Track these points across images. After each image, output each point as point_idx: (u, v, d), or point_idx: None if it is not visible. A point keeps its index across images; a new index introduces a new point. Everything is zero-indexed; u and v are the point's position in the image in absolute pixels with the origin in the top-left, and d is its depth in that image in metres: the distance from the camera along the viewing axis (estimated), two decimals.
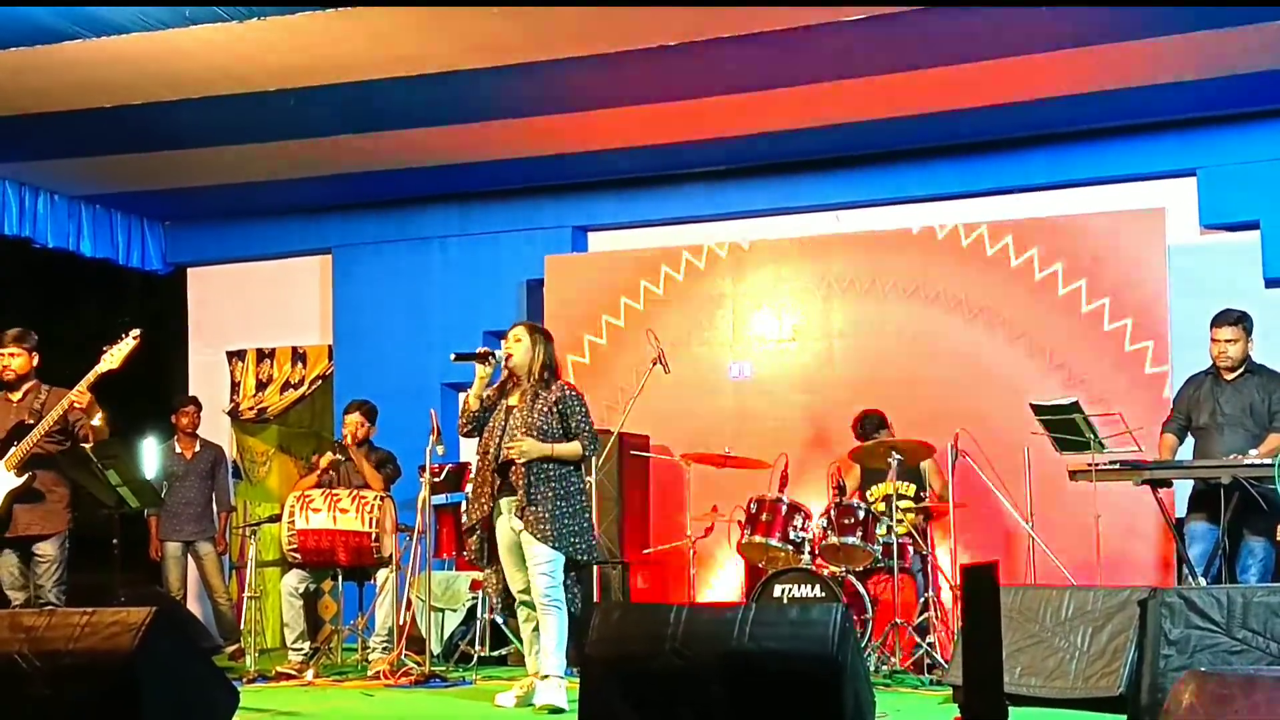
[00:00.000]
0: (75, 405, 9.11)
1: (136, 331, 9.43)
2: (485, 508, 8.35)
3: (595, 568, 10.50)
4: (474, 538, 8.46)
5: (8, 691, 6.14)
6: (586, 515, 8.47)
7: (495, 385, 8.53)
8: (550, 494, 8.19)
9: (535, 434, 8.17)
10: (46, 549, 9.34)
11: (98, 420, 9.33)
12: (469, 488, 8.57)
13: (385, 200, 13.49)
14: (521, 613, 8.48)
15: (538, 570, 8.19)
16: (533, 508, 8.14)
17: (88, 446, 9.10)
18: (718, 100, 10.79)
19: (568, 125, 11.38)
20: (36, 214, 13.02)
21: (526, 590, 8.34)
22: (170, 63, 9.90)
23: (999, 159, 11.84)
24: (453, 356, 8.58)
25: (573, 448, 8.27)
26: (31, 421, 9.24)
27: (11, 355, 9.43)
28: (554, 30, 9.50)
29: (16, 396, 9.44)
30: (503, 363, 8.42)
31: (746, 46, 9.68)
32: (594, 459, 8.61)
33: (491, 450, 8.31)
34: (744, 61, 10.00)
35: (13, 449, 9.19)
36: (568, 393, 8.37)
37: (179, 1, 8.80)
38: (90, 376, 9.16)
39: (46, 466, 9.30)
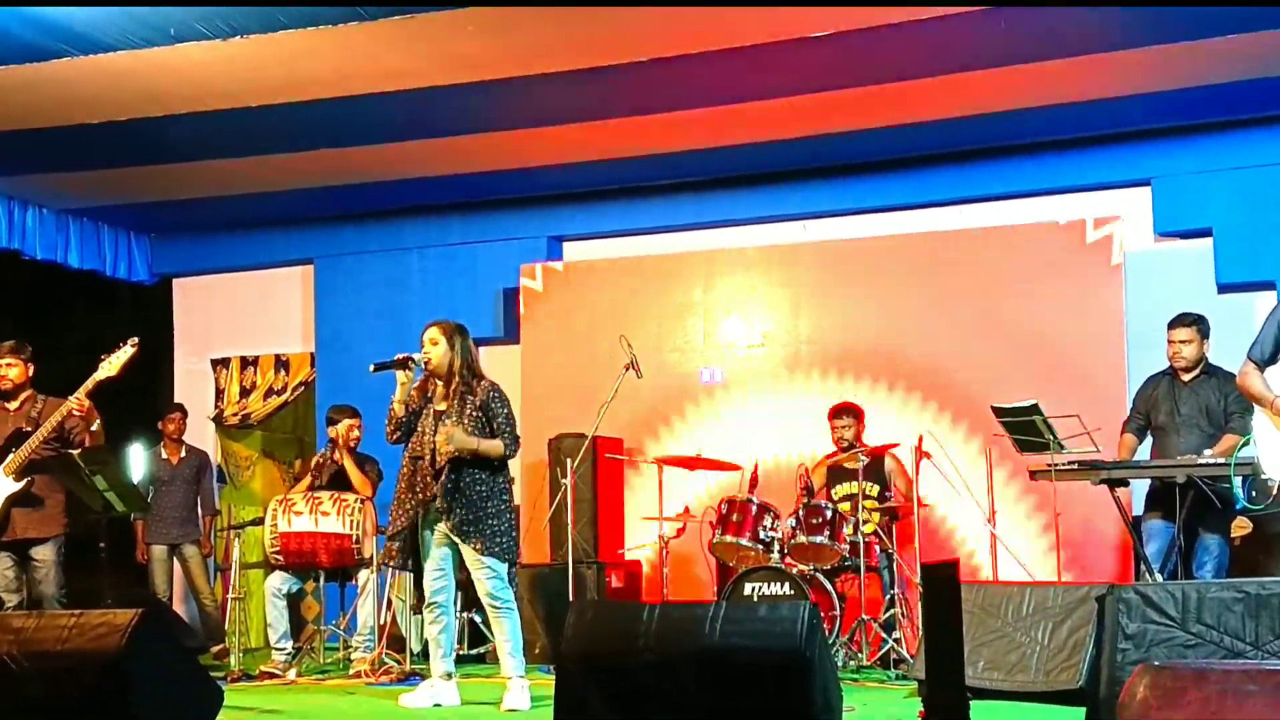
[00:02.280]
0: (75, 413, 9.11)
1: (134, 340, 9.45)
2: (411, 514, 8.27)
3: (571, 567, 10.52)
4: (397, 543, 8.32)
5: None
6: (510, 516, 8.35)
7: (416, 386, 8.45)
8: (476, 497, 8.14)
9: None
10: (43, 553, 9.35)
11: (95, 426, 9.35)
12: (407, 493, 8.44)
13: (365, 212, 13.48)
14: (428, 614, 8.40)
15: (482, 575, 8.16)
16: (463, 511, 8.10)
17: (75, 453, 9.08)
18: (688, 114, 10.82)
19: (543, 139, 11.38)
20: (25, 227, 12.99)
21: (438, 591, 8.32)
22: (156, 79, 9.89)
23: (961, 170, 11.86)
24: (372, 367, 8.46)
25: (495, 445, 8.16)
26: (29, 429, 9.25)
27: (9, 365, 9.44)
28: (528, 47, 9.51)
29: (13, 405, 9.45)
30: (422, 366, 8.33)
31: (715, 63, 9.71)
32: (515, 457, 8.43)
33: (427, 455, 8.22)
34: (713, 77, 10.03)
35: (11, 455, 9.19)
36: (492, 394, 8.28)
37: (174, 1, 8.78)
38: (89, 384, 9.18)
39: (43, 472, 9.30)
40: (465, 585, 8.78)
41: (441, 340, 8.33)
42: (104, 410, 9.41)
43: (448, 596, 8.38)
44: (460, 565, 8.28)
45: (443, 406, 8.27)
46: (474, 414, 8.20)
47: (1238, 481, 7.69)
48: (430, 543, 8.30)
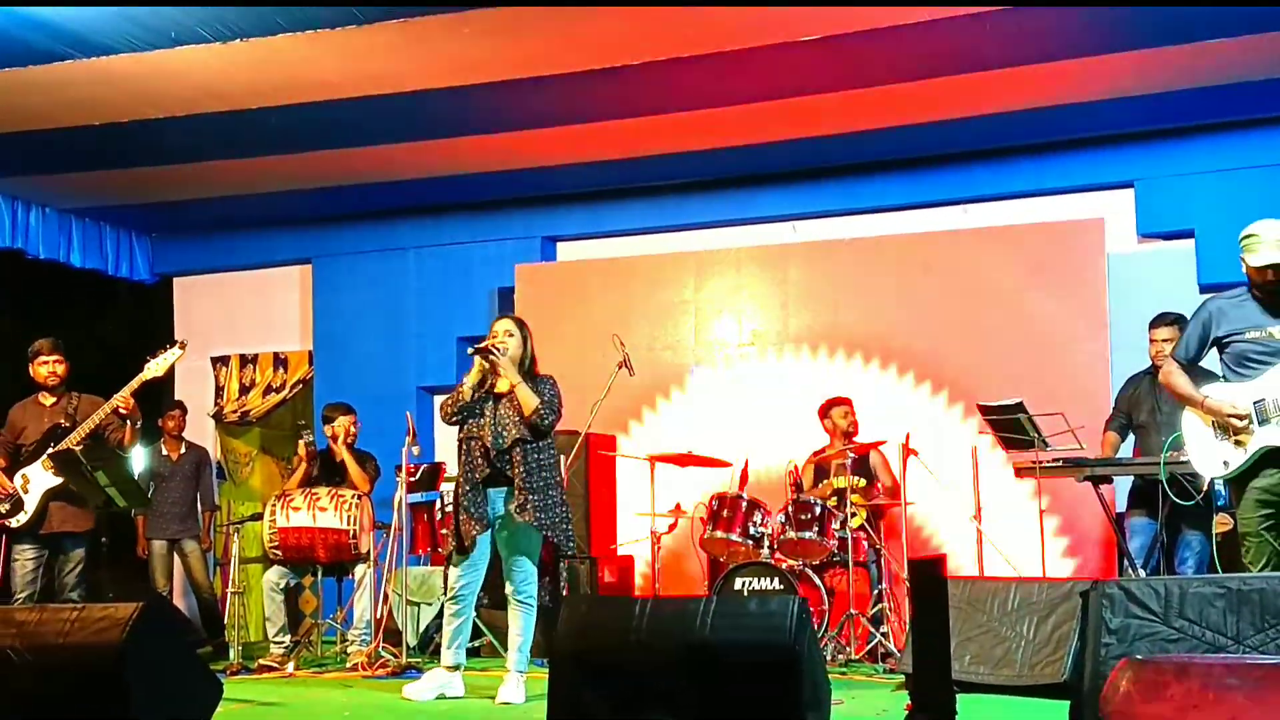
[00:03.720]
0: (121, 410, 9.14)
1: (182, 340, 9.54)
2: (478, 489, 8.30)
3: (562, 563, 10.53)
4: (464, 514, 8.32)
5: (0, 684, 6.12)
6: (565, 507, 8.40)
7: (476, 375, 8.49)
8: (544, 484, 8.20)
9: (525, 423, 8.17)
10: (76, 549, 9.43)
11: (139, 425, 9.40)
12: (461, 477, 8.43)
13: (362, 212, 13.48)
14: (450, 605, 8.47)
15: (517, 568, 8.20)
16: (533, 497, 8.14)
17: (77, 449, 9.07)
18: (678, 117, 10.83)
19: (537, 141, 11.39)
20: (29, 226, 13.00)
21: (465, 585, 8.36)
22: (157, 82, 9.89)
23: (947, 172, 11.90)
24: (470, 350, 8.44)
25: (533, 397, 8.19)
26: (67, 425, 9.29)
27: (57, 362, 9.53)
28: (523, 51, 9.52)
29: (49, 401, 9.51)
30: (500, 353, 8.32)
31: (706, 66, 9.72)
32: (550, 431, 8.44)
33: (488, 437, 8.24)
34: (703, 81, 10.05)
35: (50, 449, 9.23)
36: (542, 379, 8.39)
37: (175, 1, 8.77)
38: (134, 383, 9.23)
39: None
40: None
41: (516, 333, 8.43)
42: None
43: (471, 590, 8.42)
44: (492, 562, 8.32)
45: (503, 388, 8.32)
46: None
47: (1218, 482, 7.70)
48: (490, 531, 8.36)
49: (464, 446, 8.39)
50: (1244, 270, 7.23)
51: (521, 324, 8.55)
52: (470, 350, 8.41)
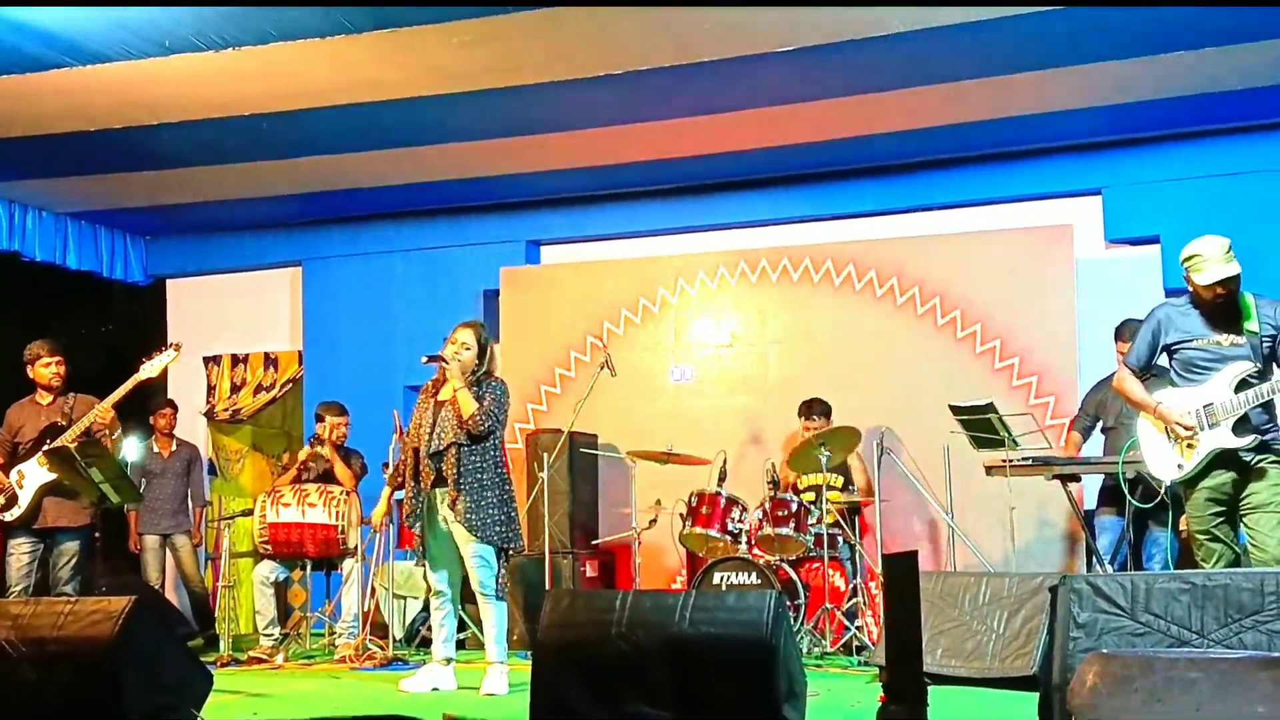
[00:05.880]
0: (99, 421, 9.17)
1: (176, 344, 9.54)
2: (414, 502, 8.26)
3: (547, 557, 10.53)
4: (417, 526, 8.30)
5: None
6: (511, 505, 8.32)
7: (428, 384, 8.49)
8: (477, 485, 8.14)
9: (462, 428, 8.14)
10: (70, 544, 9.39)
11: (116, 436, 9.40)
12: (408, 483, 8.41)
13: (351, 216, 13.47)
14: (434, 601, 8.45)
15: (475, 564, 8.16)
16: (463, 498, 8.09)
17: (72, 445, 9.05)
18: (658, 125, 10.84)
19: (522, 147, 11.38)
20: (25, 229, 12.99)
21: (443, 581, 8.35)
22: (151, 89, 9.87)
23: (920, 178, 11.91)
24: (424, 359, 8.45)
25: (472, 403, 8.10)
26: (64, 423, 9.28)
27: (59, 363, 9.51)
28: (509, 60, 9.50)
29: (46, 400, 9.50)
30: (446, 363, 8.26)
31: (686, 76, 9.71)
32: (497, 437, 8.37)
33: (423, 447, 8.22)
34: (684, 90, 10.05)
35: (45, 447, 9.21)
36: (492, 383, 8.31)
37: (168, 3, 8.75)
38: (129, 384, 9.26)
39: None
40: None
41: (474, 345, 8.34)
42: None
43: (449, 585, 8.39)
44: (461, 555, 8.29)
45: (446, 396, 8.26)
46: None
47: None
48: (434, 533, 8.31)
49: (409, 459, 8.36)
50: (1190, 289, 7.29)
51: (482, 333, 8.43)
52: (424, 360, 8.39)
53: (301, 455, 10.89)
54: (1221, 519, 7.17)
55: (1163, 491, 7.64)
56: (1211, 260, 7.11)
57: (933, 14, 8.81)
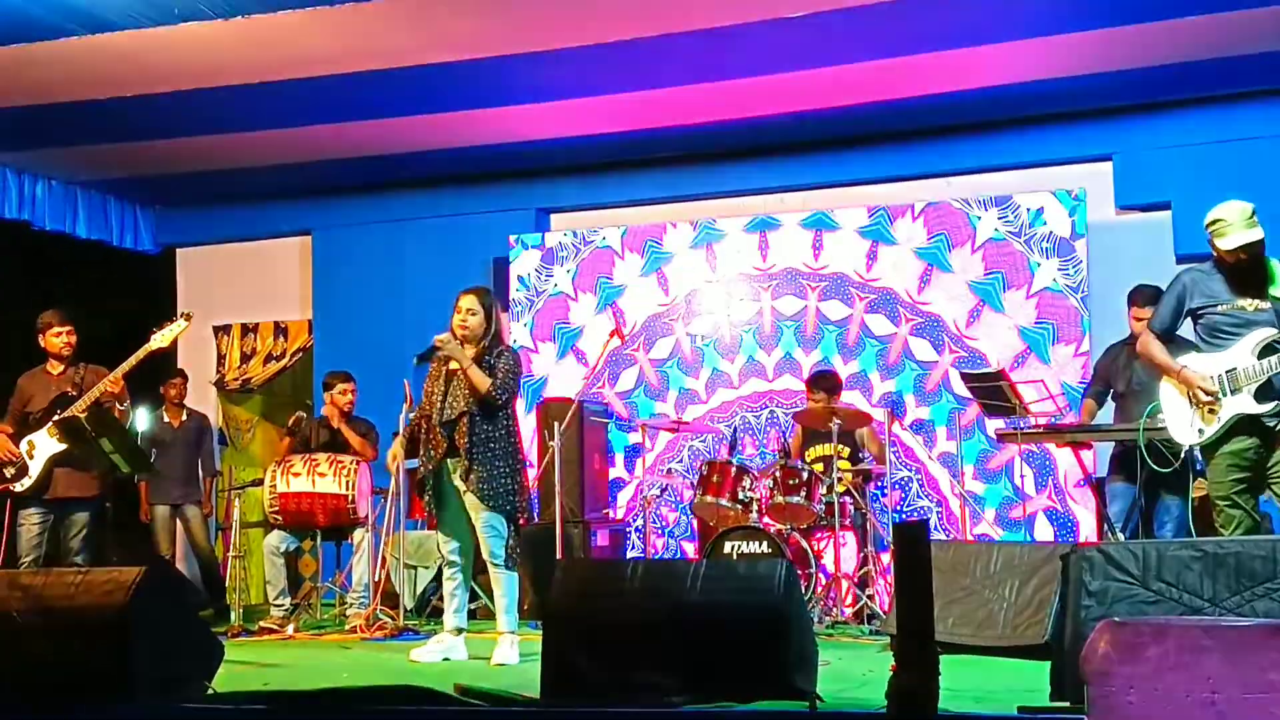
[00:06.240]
0: (109, 389, 9.15)
1: (186, 313, 9.56)
2: (433, 463, 8.27)
3: (558, 526, 10.52)
4: (427, 491, 8.33)
5: (6, 646, 6.10)
6: (521, 475, 8.33)
7: (434, 359, 8.46)
8: (489, 455, 8.14)
9: (476, 400, 8.13)
10: (81, 515, 9.38)
11: (125, 406, 9.38)
12: (423, 454, 8.41)
13: (361, 185, 13.45)
14: (446, 571, 8.46)
15: (486, 534, 8.15)
16: (476, 467, 8.10)
17: (82, 415, 9.04)
18: (669, 92, 10.83)
19: (531, 115, 11.37)
20: (35, 198, 12.99)
21: (456, 551, 8.35)
22: (160, 57, 9.86)
23: (932, 145, 11.88)
24: (416, 360, 8.50)
25: (483, 379, 8.10)
26: (74, 393, 9.26)
27: (69, 333, 9.47)
28: (520, 26, 9.49)
29: (57, 370, 9.47)
30: (446, 341, 8.26)
31: (696, 42, 9.70)
32: (508, 408, 8.35)
33: (434, 414, 8.24)
34: (692, 56, 10.03)
35: (56, 417, 9.21)
36: (500, 350, 8.30)
37: None
38: (140, 353, 9.27)
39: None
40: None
41: (479, 310, 8.30)
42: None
43: (461, 554, 8.39)
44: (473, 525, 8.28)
45: (458, 366, 8.23)
46: (487, 373, 8.19)
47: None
48: (446, 503, 8.31)
49: (422, 426, 8.37)
50: (1214, 254, 7.26)
51: (487, 297, 8.41)
52: (417, 360, 8.39)
53: (289, 422, 10.88)
54: (1243, 485, 7.13)
55: (1181, 457, 7.62)
56: (1235, 225, 7.09)
57: None
